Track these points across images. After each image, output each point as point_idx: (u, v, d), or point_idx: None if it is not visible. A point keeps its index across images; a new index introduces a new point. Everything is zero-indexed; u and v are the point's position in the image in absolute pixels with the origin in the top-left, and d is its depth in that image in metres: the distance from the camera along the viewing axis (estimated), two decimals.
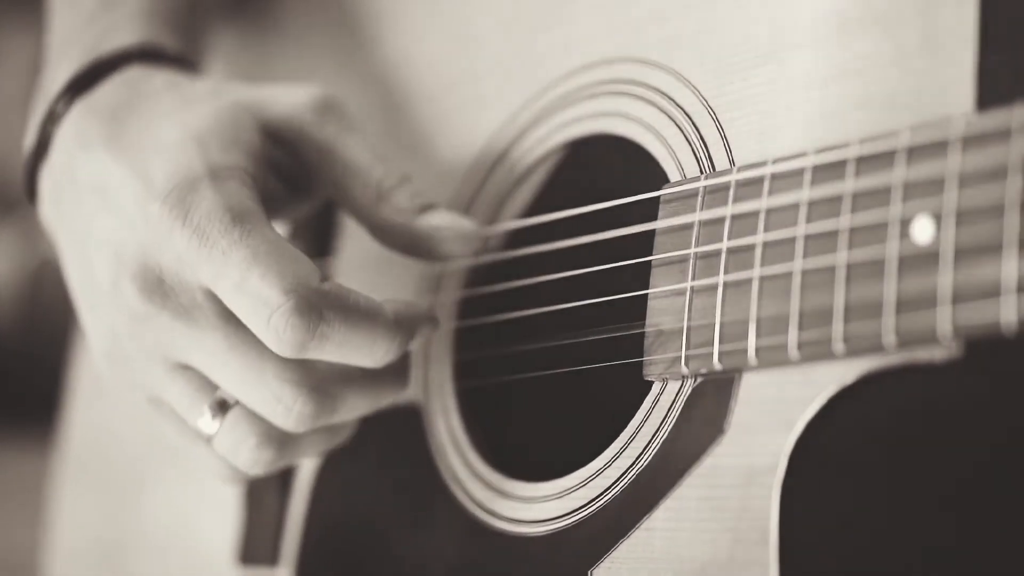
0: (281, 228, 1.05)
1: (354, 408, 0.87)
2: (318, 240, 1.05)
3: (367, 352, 0.85)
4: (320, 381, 0.85)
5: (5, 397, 2.18)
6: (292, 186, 0.94)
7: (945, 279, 0.70)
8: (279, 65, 1.14)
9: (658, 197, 0.85)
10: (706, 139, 0.84)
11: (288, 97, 0.92)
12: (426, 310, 0.89)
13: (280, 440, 0.87)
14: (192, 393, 0.88)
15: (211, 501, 1.08)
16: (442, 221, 0.91)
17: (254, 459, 0.87)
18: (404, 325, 0.86)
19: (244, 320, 0.83)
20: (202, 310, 0.85)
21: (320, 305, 0.82)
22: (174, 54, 0.97)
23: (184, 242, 0.84)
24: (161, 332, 0.86)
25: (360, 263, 1.02)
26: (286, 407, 0.84)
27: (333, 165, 0.91)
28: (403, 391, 0.90)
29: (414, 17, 1.05)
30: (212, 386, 0.87)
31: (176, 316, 0.85)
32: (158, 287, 0.85)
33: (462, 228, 0.91)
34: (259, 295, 0.82)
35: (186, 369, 0.88)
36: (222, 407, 0.87)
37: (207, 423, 0.88)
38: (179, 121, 0.88)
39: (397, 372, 0.89)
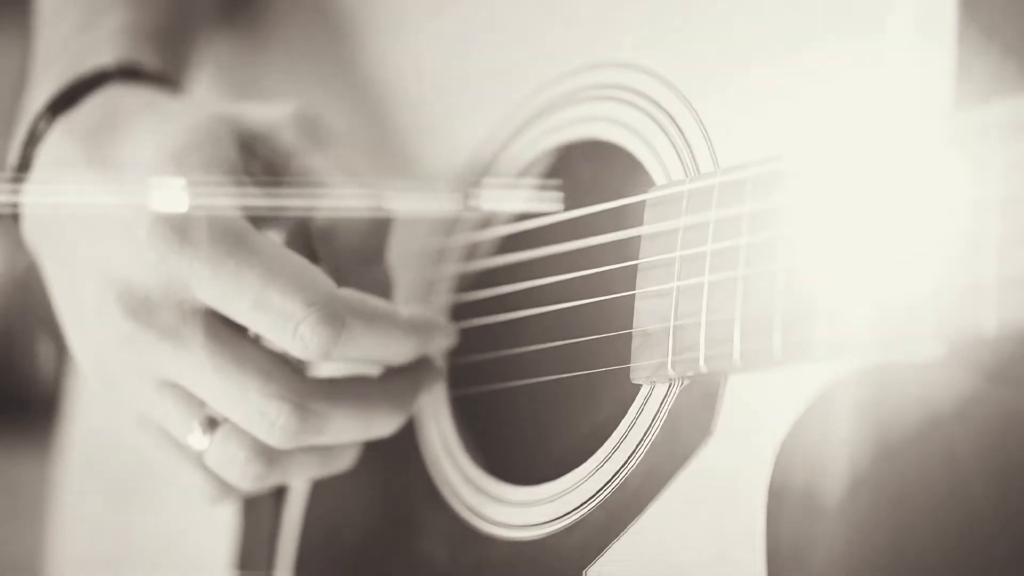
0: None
1: (343, 429, 0.88)
2: (306, 249, 1.05)
3: (385, 350, 0.87)
4: (304, 398, 0.85)
5: (4, 400, 2.19)
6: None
7: (925, 280, 0.71)
8: (268, 77, 1.14)
9: (644, 201, 0.86)
10: (690, 142, 0.85)
11: (262, 113, 0.92)
12: (436, 317, 0.91)
13: (269, 456, 0.88)
14: (181, 410, 0.88)
15: (208, 509, 1.08)
16: (380, 277, 0.93)
17: (244, 474, 0.88)
18: (418, 327, 0.89)
19: (266, 334, 0.85)
20: (187, 327, 0.85)
21: (342, 312, 0.84)
22: (154, 71, 0.97)
23: (184, 264, 0.84)
24: (147, 352, 0.86)
25: None
26: (270, 422, 0.85)
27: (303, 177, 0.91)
28: (400, 421, 0.91)
29: (403, 26, 1.06)
30: (201, 402, 0.88)
31: (161, 336, 0.86)
32: (144, 307, 0.86)
33: (389, 289, 0.94)
34: (282, 310, 0.83)
35: (174, 387, 0.88)
36: (211, 423, 0.88)
37: (197, 439, 0.88)
38: (156, 141, 0.88)
39: (395, 400, 0.90)
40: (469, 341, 0.96)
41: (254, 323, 0.84)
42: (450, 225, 0.98)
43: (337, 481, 0.97)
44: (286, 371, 0.86)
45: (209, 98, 1.13)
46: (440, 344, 0.92)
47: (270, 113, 0.92)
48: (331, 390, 0.87)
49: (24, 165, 0.94)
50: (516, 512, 0.88)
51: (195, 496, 0.94)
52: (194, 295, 0.85)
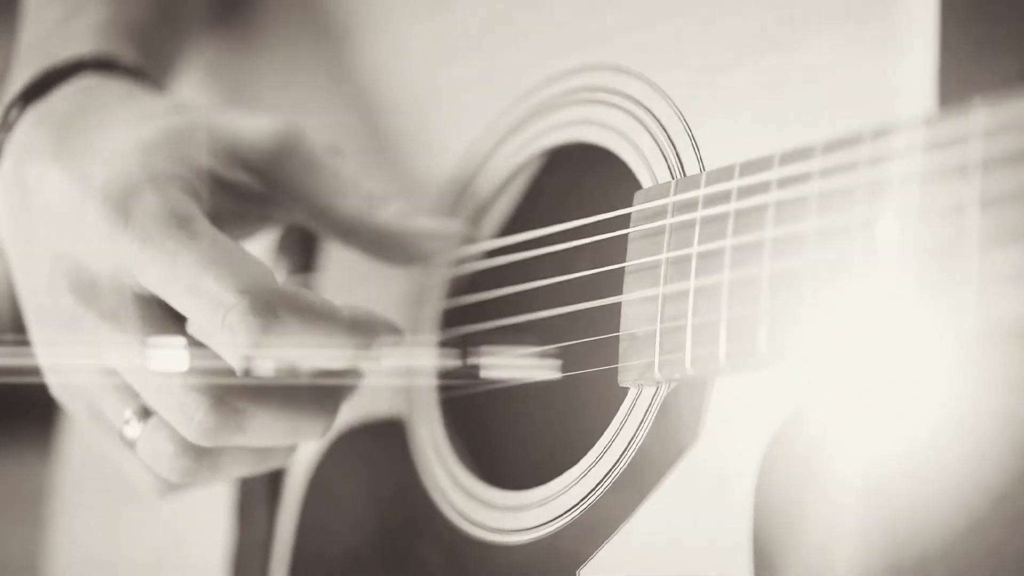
0: (264, 243, 1.05)
1: (264, 430, 0.85)
2: (301, 257, 1.05)
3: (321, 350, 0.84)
4: (226, 394, 0.83)
5: (4, 403, 2.18)
6: (246, 207, 0.94)
7: (909, 280, 0.71)
8: (258, 81, 1.14)
9: (631, 202, 0.86)
10: (677, 144, 0.85)
11: (254, 130, 0.91)
12: (386, 319, 0.87)
13: (197, 451, 0.86)
14: (119, 399, 0.87)
15: (204, 515, 1.08)
16: (434, 222, 0.93)
17: (172, 468, 0.86)
18: (362, 328, 0.85)
19: (197, 322, 0.83)
20: (127, 313, 0.84)
21: (275, 304, 0.81)
22: (130, 65, 0.97)
23: (125, 245, 0.83)
24: (87, 334, 0.85)
25: (343, 279, 1.03)
26: (188, 416, 0.83)
27: (312, 197, 0.91)
28: (327, 427, 0.88)
29: (393, 31, 1.06)
30: (136, 392, 0.86)
31: (102, 319, 0.85)
32: (90, 289, 0.85)
33: (453, 227, 0.94)
34: (212, 296, 0.81)
35: (114, 374, 0.87)
36: (146, 413, 0.87)
37: (131, 428, 0.87)
38: (130, 134, 0.88)
39: (322, 403, 0.87)
40: (459, 345, 0.96)
41: (187, 309, 0.83)
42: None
43: (330, 488, 0.97)
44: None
45: (195, 99, 1.12)
46: (386, 344, 0.87)
47: (259, 134, 0.91)
48: (256, 389, 0.85)
49: None
50: (506, 516, 0.89)
51: (139, 490, 0.92)
52: (135, 279, 0.84)
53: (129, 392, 0.87)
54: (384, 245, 0.92)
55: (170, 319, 0.85)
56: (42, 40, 0.99)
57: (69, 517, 1.27)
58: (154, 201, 0.84)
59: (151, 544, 1.16)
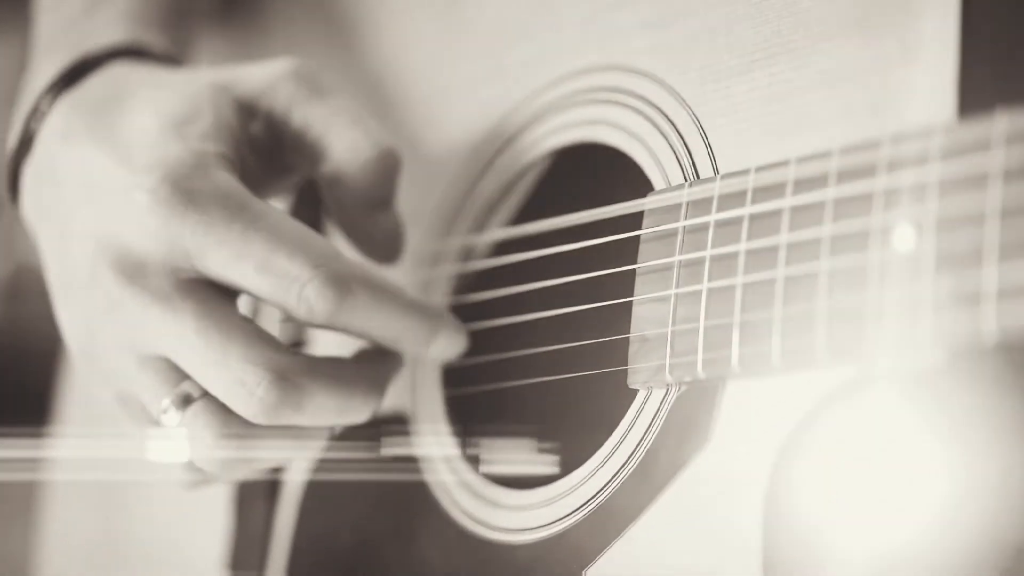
0: None
1: (320, 408, 0.86)
2: (316, 208, 1.05)
3: (388, 326, 0.87)
4: (286, 370, 0.84)
5: None
6: (269, 162, 0.94)
7: (926, 288, 0.71)
8: None
9: (643, 205, 0.86)
10: (691, 147, 0.85)
11: (261, 70, 0.92)
12: (444, 309, 0.91)
13: (238, 440, 0.86)
14: (158, 385, 0.87)
15: (201, 508, 1.08)
16: (391, 223, 0.94)
17: (210, 456, 0.86)
18: (424, 311, 0.89)
19: (270, 298, 0.84)
20: (179, 292, 0.85)
21: (348, 277, 0.84)
22: (160, 53, 0.98)
23: (186, 229, 0.84)
24: (134, 317, 0.86)
25: None
26: (248, 391, 0.84)
27: (308, 130, 0.92)
28: (374, 407, 0.89)
29: (405, 25, 1.06)
30: (178, 378, 0.87)
31: (153, 300, 0.85)
32: (139, 272, 0.85)
33: (400, 235, 0.95)
34: (287, 272, 0.83)
35: (155, 361, 0.87)
36: (186, 400, 0.86)
37: (170, 416, 0.87)
38: (156, 109, 0.89)
39: (371, 383, 0.89)
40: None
41: (259, 287, 0.84)
42: (447, 228, 0.98)
43: (331, 483, 0.96)
44: (270, 343, 0.85)
45: (206, 65, 1.13)
46: (446, 341, 0.90)
47: (267, 70, 0.92)
48: (312, 366, 0.86)
49: (26, 141, 0.94)
50: (513, 516, 0.88)
51: (172, 481, 0.92)
52: (193, 262, 0.85)
53: (171, 380, 0.87)
54: (340, 213, 0.93)
55: (221, 299, 0.86)
56: (67, 29, 1.00)
57: (64, 512, 1.26)
58: (209, 185, 0.85)
59: (147, 538, 1.15)
